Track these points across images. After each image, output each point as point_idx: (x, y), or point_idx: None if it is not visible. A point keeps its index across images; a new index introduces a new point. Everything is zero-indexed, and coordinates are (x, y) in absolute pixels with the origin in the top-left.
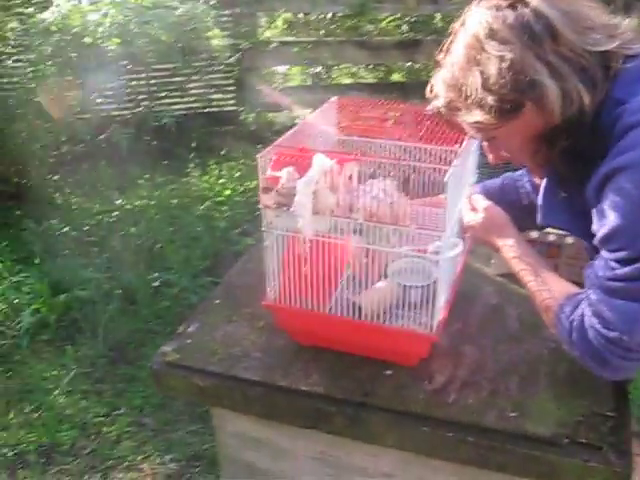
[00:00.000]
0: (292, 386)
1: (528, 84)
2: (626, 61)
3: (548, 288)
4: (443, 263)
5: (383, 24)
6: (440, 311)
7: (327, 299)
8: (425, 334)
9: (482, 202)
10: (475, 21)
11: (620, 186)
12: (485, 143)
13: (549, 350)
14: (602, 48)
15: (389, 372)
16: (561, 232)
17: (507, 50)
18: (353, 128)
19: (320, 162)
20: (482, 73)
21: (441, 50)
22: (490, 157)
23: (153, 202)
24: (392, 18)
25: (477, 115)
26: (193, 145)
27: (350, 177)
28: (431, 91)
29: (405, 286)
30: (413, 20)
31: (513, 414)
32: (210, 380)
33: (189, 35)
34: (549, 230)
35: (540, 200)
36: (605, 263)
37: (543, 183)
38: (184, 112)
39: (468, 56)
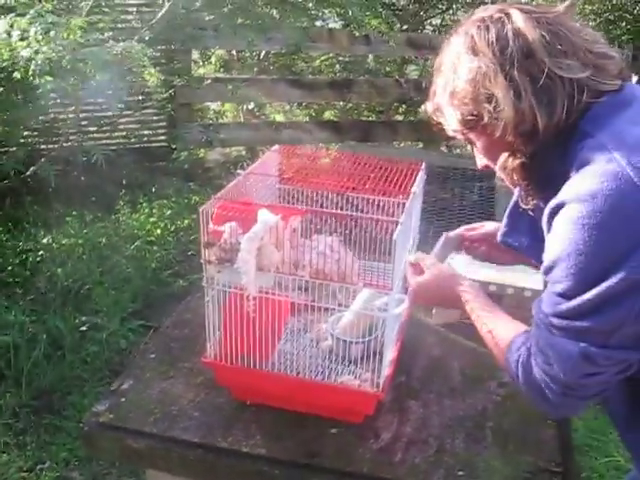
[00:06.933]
0: (233, 448)
1: (486, 97)
2: (603, 95)
3: (501, 328)
4: (390, 320)
5: (317, 63)
6: (386, 368)
7: (269, 355)
8: (371, 392)
9: (424, 262)
10: (462, 31)
11: (563, 219)
12: (471, 148)
13: (493, 404)
14: (572, 75)
15: (334, 431)
16: (502, 283)
17: (476, 62)
18: (295, 178)
19: (265, 218)
20: (454, 81)
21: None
22: (477, 161)
23: (81, 241)
24: (325, 57)
25: (447, 119)
26: (123, 182)
27: (294, 230)
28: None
29: (346, 341)
30: (346, 60)
31: (461, 473)
32: (146, 442)
33: (123, 73)
34: (490, 281)
35: (505, 216)
36: (549, 297)
37: (512, 199)
38: (114, 148)
39: (449, 63)
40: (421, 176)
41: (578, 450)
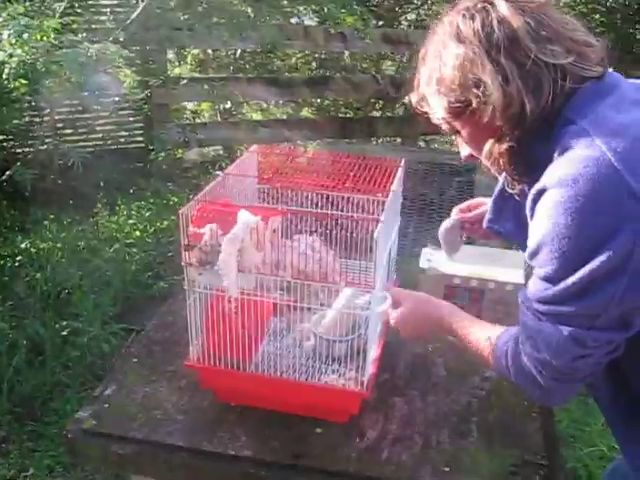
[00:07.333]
0: (219, 450)
1: (474, 82)
2: (585, 81)
3: (487, 332)
4: (372, 318)
5: (293, 61)
6: (370, 366)
7: (253, 357)
8: (356, 391)
9: (400, 295)
10: (447, 21)
11: (546, 204)
12: (454, 138)
13: (477, 399)
14: (556, 61)
15: (319, 430)
16: (483, 278)
17: (463, 49)
18: (274, 178)
19: (245, 219)
20: (440, 68)
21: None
22: (461, 152)
23: (60, 245)
24: (301, 55)
25: (433, 107)
26: (101, 184)
27: (275, 231)
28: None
29: (329, 340)
30: (322, 57)
31: (446, 469)
32: (131, 447)
33: (99, 75)
34: (472, 276)
35: (491, 203)
36: (534, 283)
37: (498, 185)
38: (91, 150)
39: (435, 52)
40: (400, 173)
41: (563, 441)
